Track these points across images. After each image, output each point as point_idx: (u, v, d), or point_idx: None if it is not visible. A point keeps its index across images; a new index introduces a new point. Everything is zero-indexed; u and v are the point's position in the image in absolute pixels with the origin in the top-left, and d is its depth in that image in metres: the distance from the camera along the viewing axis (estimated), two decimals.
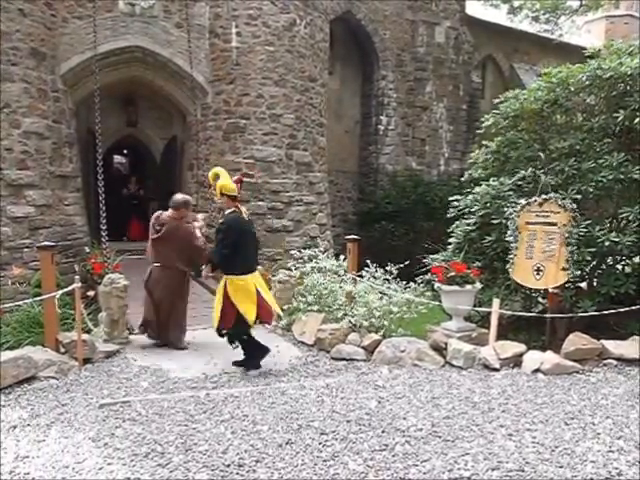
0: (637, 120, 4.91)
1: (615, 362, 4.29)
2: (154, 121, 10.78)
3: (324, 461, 2.87)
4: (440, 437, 3.12)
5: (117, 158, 13.85)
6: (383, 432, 3.20)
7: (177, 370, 4.59)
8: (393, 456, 2.91)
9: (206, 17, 9.31)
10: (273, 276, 6.34)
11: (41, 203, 7.73)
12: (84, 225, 8.69)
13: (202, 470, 2.80)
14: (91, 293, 6.25)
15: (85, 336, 4.82)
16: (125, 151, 13.18)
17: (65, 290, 5.01)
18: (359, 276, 5.81)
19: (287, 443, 3.08)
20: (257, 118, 9.31)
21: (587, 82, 5.31)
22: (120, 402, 3.75)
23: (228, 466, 2.83)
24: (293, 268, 6.28)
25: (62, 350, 4.68)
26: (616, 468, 2.74)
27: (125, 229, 11.52)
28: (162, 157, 10.93)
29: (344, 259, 6.16)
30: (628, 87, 5.18)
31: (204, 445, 3.07)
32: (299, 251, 6.70)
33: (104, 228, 7.12)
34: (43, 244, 5.09)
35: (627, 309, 4.81)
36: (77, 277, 4.98)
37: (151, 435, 3.20)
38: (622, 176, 4.90)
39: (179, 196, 5.49)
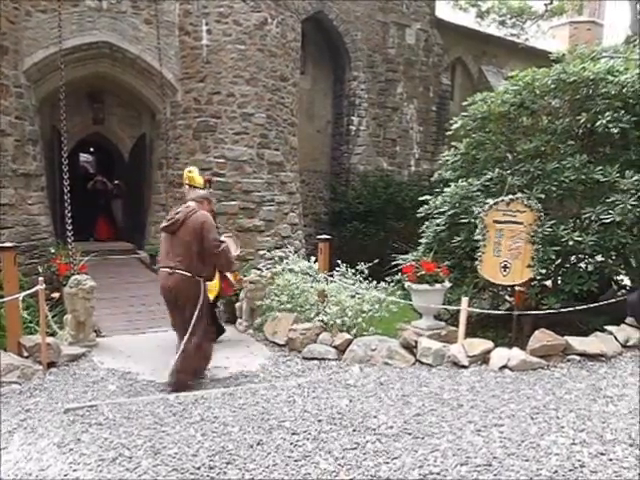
0: (599, 123, 5.08)
1: (578, 358, 4.42)
2: (122, 119, 10.55)
3: (295, 461, 2.86)
4: (410, 434, 3.16)
5: (84, 156, 13.52)
6: (354, 431, 3.21)
7: (146, 373, 4.51)
8: (364, 454, 2.93)
9: (175, 14, 9.18)
10: (244, 276, 6.29)
11: (3, 202, 7.48)
12: (49, 225, 8.44)
13: (171, 473, 2.76)
14: (56, 295, 6.08)
15: (50, 339, 4.68)
16: (92, 149, 12.88)
17: (28, 292, 4.87)
18: (331, 275, 5.83)
19: (258, 444, 3.06)
20: (228, 117, 9.23)
21: (552, 86, 5.47)
22: (86, 406, 3.66)
23: (198, 469, 2.80)
24: (264, 268, 6.25)
25: (25, 354, 4.54)
26: (579, 460, 2.83)
27: (92, 229, 11.27)
28: (130, 156, 10.72)
29: (315, 261, 6.16)
30: (591, 91, 5.35)
31: (174, 448, 3.02)
32: (268, 251, 6.68)
33: (69, 228, 6.94)
34: (5, 244, 4.93)
35: (590, 306, 4.97)
36: (41, 278, 4.83)
37: (119, 439, 3.14)
38: (584, 177, 5.06)
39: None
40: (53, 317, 5.61)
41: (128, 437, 3.16)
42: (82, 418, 3.46)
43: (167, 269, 4.18)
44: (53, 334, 5.20)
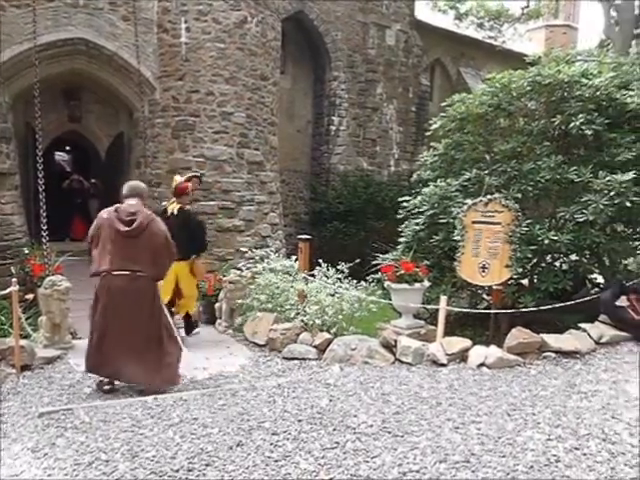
0: (572, 125, 5.19)
1: (554, 355, 4.50)
2: (99, 117, 10.38)
3: (275, 461, 2.85)
4: (390, 433, 3.18)
5: (60, 155, 13.27)
6: (334, 430, 3.22)
7: None
8: (344, 453, 2.93)
9: (154, 11, 9.06)
10: (224, 276, 6.26)
11: None
12: (23, 225, 8.26)
13: (150, 477, 2.72)
14: (30, 296, 5.95)
15: (23, 342, 4.58)
16: (68, 148, 12.64)
17: (1, 293, 4.75)
18: (311, 275, 5.83)
19: (238, 445, 3.04)
20: (207, 116, 9.16)
21: (528, 88, 5.56)
22: (62, 410, 3.59)
23: (177, 471, 2.77)
24: (244, 268, 6.22)
25: None
26: (554, 455, 2.88)
27: (68, 229, 11.07)
28: (107, 154, 10.55)
29: (295, 260, 6.16)
30: (565, 93, 5.46)
31: (152, 451, 2.98)
32: (251, 250, 6.65)
33: (44, 228, 6.80)
34: None
35: (564, 304, 5.07)
36: (14, 280, 4.72)
37: (95, 443, 3.08)
38: (559, 177, 5.16)
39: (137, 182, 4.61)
40: (27, 319, 5.49)
41: (105, 440, 3.11)
42: (57, 422, 3.40)
43: (127, 272, 4.02)
44: (27, 336, 5.09)
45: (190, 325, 5.84)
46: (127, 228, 4.04)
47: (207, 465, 2.82)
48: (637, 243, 5.69)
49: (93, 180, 11.70)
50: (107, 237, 4.07)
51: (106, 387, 4.04)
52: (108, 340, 4.00)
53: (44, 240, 6.81)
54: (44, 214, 6.86)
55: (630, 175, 4.84)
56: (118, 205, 4.22)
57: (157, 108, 9.26)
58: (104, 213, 4.19)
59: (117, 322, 4.00)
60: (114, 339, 3.99)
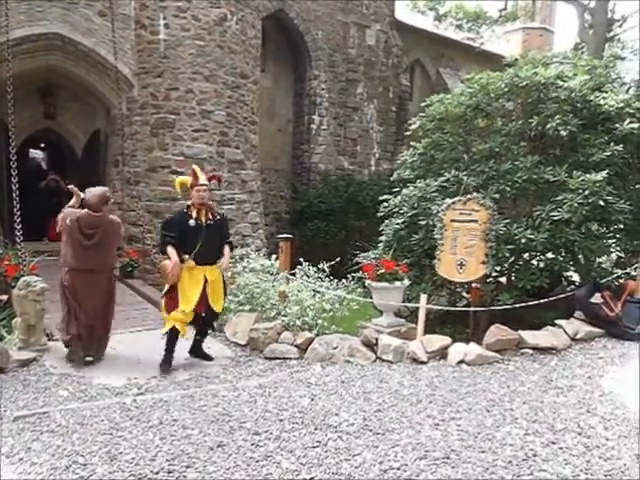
0: (549, 126, 5.28)
1: (531, 351, 4.58)
2: (75, 114, 10.19)
3: (257, 462, 2.84)
4: (371, 430, 3.19)
5: (37, 152, 12.97)
6: (316, 429, 3.22)
7: (101, 376, 4.37)
8: (325, 452, 2.94)
9: (131, 6, 8.93)
10: None
11: None
12: None
13: (129, 479, 2.69)
14: (4, 297, 5.80)
15: None
16: (42, 145, 12.37)
17: None
18: (292, 274, 5.82)
19: (219, 446, 3.02)
20: (187, 114, 9.07)
21: (505, 89, 5.65)
22: (37, 413, 3.51)
23: (157, 473, 2.74)
24: None
25: None
26: (532, 450, 2.94)
27: (44, 229, 10.82)
28: (84, 152, 10.37)
29: (276, 259, 6.14)
30: (542, 95, 5.56)
31: (131, 453, 2.94)
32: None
33: (18, 227, 6.63)
34: None
35: (541, 301, 5.17)
36: None
37: (72, 446, 3.03)
38: (535, 177, 5.26)
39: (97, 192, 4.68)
40: (1, 321, 5.36)
41: (82, 444, 3.06)
42: (32, 425, 3.32)
43: (90, 269, 4.60)
44: (1, 338, 4.97)
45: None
46: (88, 242, 4.52)
47: (187, 467, 2.80)
48: (610, 242, 5.83)
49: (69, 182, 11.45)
50: (71, 241, 4.55)
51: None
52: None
53: (18, 240, 6.65)
54: (17, 213, 6.69)
55: (603, 175, 4.96)
56: (81, 214, 4.55)
57: (135, 105, 9.13)
58: (67, 219, 4.55)
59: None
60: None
